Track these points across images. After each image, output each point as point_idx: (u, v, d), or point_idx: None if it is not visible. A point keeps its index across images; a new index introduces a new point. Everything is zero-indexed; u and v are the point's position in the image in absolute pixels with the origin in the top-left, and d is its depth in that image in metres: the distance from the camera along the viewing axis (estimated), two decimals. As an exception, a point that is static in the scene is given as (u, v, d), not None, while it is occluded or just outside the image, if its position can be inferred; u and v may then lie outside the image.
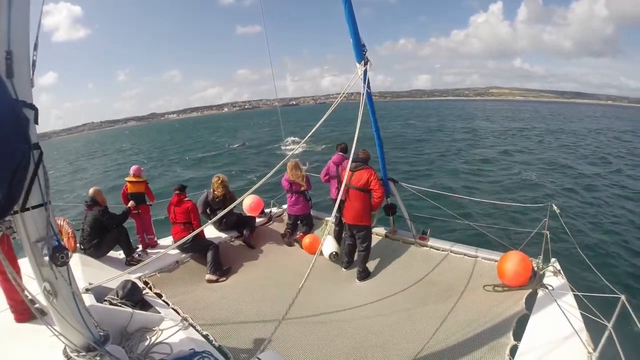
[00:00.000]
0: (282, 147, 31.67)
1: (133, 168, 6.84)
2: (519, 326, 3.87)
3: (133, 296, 4.42)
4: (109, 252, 5.80)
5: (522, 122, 57.25)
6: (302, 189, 7.01)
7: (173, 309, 4.59)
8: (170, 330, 3.90)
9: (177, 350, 3.48)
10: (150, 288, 5.14)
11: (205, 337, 4.01)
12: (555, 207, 4.96)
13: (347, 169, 4.64)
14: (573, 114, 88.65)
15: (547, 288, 4.35)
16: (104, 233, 5.65)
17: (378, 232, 6.73)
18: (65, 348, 2.75)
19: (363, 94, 4.92)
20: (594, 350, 3.12)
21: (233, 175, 20.41)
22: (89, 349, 2.73)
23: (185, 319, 4.18)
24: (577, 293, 4.17)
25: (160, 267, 5.67)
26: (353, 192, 5.57)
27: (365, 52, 4.95)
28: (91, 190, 5.85)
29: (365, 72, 4.95)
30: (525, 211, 11.36)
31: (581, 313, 3.81)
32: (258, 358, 3.05)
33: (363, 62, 4.94)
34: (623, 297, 3.45)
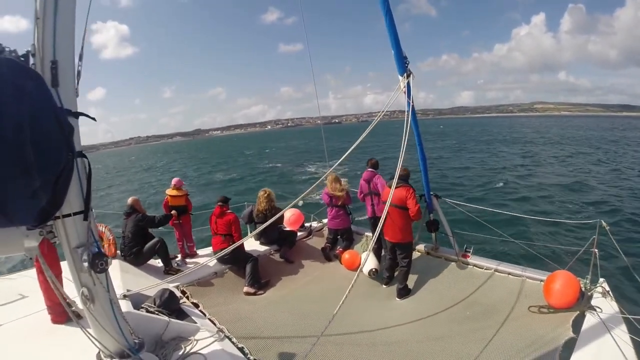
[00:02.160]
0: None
1: (174, 180, 6.98)
2: (566, 350, 3.66)
3: (170, 305, 4.45)
4: (148, 260, 5.91)
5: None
6: (340, 203, 6.93)
7: (209, 319, 4.58)
8: (206, 341, 3.88)
9: None
10: (187, 297, 5.17)
11: (241, 349, 3.98)
12: (604, 224, 4.65)
13: (392, 185, 4.64)
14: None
15: (595, 310, 4.08)
16: (145, 241, 5.78)
17: (419, 249, 6.55)
18: (99, 353, 2.79)
19: (408, 110, 4.82)
20: None
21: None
22: (123, 355, 2.77)
23: (221, 330, 4.16)
24: (628, 316, 3.90)
25: (198, 277, 5.73)
26: (392, 209, 5.47)
27: (408, 64, 4.85)
28: (130, 200, 6.03)
29: (408, 84, 4.85)
30: (574, 229, 10.85)
31: (631, 337, 3.58)
32: None
33: (405, 74, 4.85)
34: None
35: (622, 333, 3.64)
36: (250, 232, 7.15)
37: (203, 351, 3.71)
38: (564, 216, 13.48)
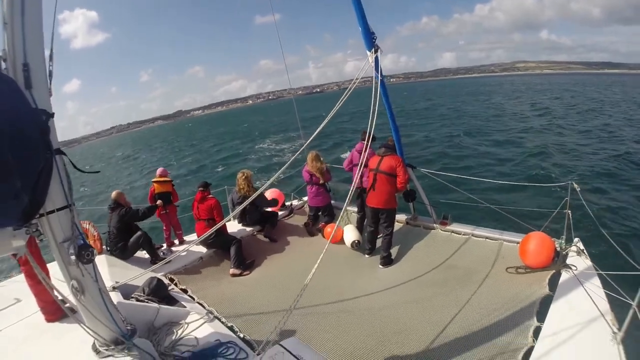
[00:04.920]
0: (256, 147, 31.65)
1: (159, 170, 7.00)
2: (543, 308, 3.85)
3: (159, 292, 4.57)
4: (134, 253, 5.93)
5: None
6: (321, 181, 7.02)
7: (198, 303, 4.72)
8: (196, 324, 4.02)
9: (204, 342, 3.63)
10: (175, 284, 5.28)
11: (230, 328, 4.13)
12: (575, 185, 4.82)
13: (363, 151, 4.67)
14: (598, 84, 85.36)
15: (570, 269, 4.28)
16: (130, 234, 5.79)
17: (399, 219, 6.67)
18: (94, 343, 2.89)
19: (377, 83, 4.90)
20: (619, 329, 3.08)
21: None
22: (117, 342, 2.87)
23: (210, 312, 4.29)
24: (601, 272, 4.06)
25: (185, 263, 5.85)
26: (381, 177, 5.66)
27: (375, 39, 4.96)
28: (114, 194, 5.98)
29: (376, 59, 4.96)
30: (547, 191, 11.08)
31: (606, 293, 3.73)
32: (280, 344, 3.15)
33: (373, 49, 4.96)
34: None
35: (596, 289, 3.82)
36: (239, 216, 7.23)
37: (194, 333, 3.85)
38: (536, 179, 13.72)
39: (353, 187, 4.32)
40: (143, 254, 6.08)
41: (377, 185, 5.71)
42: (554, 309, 3.72)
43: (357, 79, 4.88)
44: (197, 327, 3.98)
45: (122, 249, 5.75)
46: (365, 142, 4.57)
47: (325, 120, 4.51)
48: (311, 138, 4.88)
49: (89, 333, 2.75)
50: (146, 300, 4.32)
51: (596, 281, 3.98)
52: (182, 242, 6.91)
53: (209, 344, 3.56)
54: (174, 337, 3.81)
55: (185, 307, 4.47)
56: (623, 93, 55.62)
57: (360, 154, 6.41)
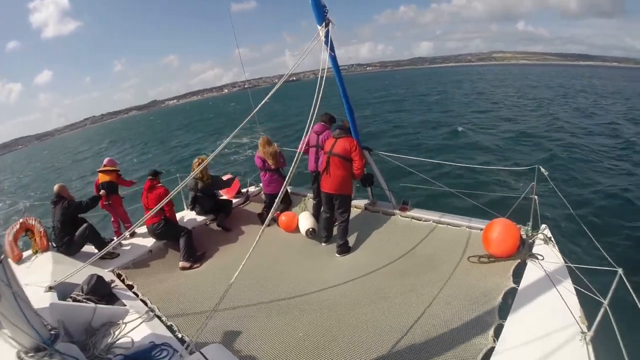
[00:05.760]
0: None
1: (105, 160, 6.70)
2: (506, 302, 3.58)
3: (99, 290, 4.29)
4: (81, 248, 5.62)
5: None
6: (274, 166, 6.73)
7: (142, 300, 4.47)
8: (135, 323, 3.77)
9: (138, 344, 3.40)
10: (122, 280, 5.02)
11: (170, 327, 3.90)
12: (543, 170, 4.53)
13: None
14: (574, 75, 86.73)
15: (536, 258, 4.01)
16: (76, 228, 5.51)
17: (357, 205, 6.47)
18: (17, 351, 2.64)
19: (327, 60, 4.64)
20: (589, 328, 2.83)
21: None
22: (39, 349, 2.63)
23: (152, 310, 4.09)
24: (570, 265, 3.80)
25: (133, 257, 5.60)
26: (335, 160, 5.36)
27: (327, 12, 4.63)
28: (56, 187, 5.70)
29: (327, 33, 4.65)
30: (514, 177, 10.99)
31: (575, 288, 3.45)
32: (200, 352, 2.89)
33: (324, 23, 4.64)
34: (620, 271, 3.02)
35: (564, 282, 3.58)
36: (191, 203, 6.95)
37: (131, 334, 3.60)
38: (502, 164, 13.63)
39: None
40: (93, 249, 5.70)
41: (331, 169, 5.40)
42: (518, 303, 3.45)
43: (304, 55, 4.53)
44: (135, 327, 3.72)
45: (68, 244, 5.43)
46: (307, 128, 4.20)
47: (255, 110, 4.40)
48: (228, 139, 4.65)
49: (7, 341, 2.50)
50: (84, 300, 4.04)
51: (564, 273, 3.72)
52: (132, 235, 6.52)
53: (142, 346, 3.32)
54: (109, 339, 3.55)
55: (125, 305, 4.20)
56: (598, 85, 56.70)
57: (318, 135, 6.12)
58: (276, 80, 4.42)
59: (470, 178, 11.81)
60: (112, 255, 5.59)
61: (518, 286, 3.71)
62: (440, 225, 5.48)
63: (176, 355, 3.21)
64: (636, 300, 2.66)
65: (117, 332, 3.64)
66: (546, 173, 4.49)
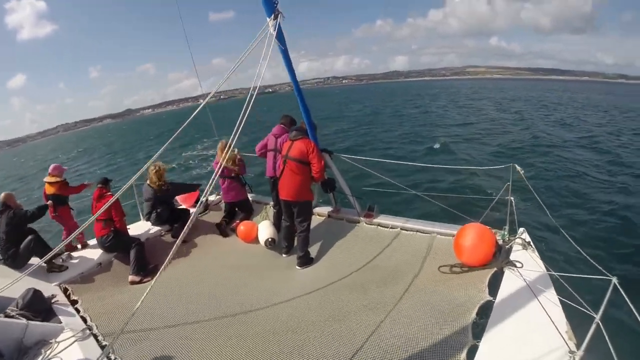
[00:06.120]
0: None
1: (51, 167, 6.19)
2: (481, 317, 3.12)
3: (35, 305, 4.01)
4: (28, 260, 5.20)
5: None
6: (233, 173, 6.38)
7: (82, 317, 4.14)
8: (67, 342, 3.47)
9: None
10: (68, 295, 4.68)
11: (104, 347, 3.53)
12: (518, 168, 4.11)
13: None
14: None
15: (515, 266, 3.58)
16: (22, 240, 5.11)
17: (320, 213, 6.13)
18: None
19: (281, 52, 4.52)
20: (578, 347, 2.41)
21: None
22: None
23: (89, 329, 3.79)
24: (554, 273, 3.39)
25: (82, 271, 5.21)
26: (292, 164, 5.02)
27: (277, 3, 4.38)
28: (2, 195, 5.26)
29: (279, 26, 4.41)
30: (487, 178, 10.72)
31: (559, 299, 3.04)
32: None
33: (274, 15, 4.38)
34: (615, 280, 2.66)
35: (547, 292, 3.15)
36: (146, 213, 6.43)
37: (62, 354, 3.33)
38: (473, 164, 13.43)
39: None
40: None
41: (288, 174, 5.07)
42: (495, 319, 3.00)
43: (250, 50, 4.13)
44: (67, 346, 3.42)
45: (13, 256, 5.04)
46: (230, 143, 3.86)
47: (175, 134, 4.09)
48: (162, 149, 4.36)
49: None
50: (17, 315, 3.76)
51: (547, 282, 3.30)
52: (84, 247, 6.07)
53: None
54: (40, 359, 3.28)
55: (61, 322, 3.90)
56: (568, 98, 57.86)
57: (277, 139, 5.78)
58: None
59: (441, 181, 11.48)
60: (60, 269, 5.24)
61: (494, 299, 3.27)
62: (408, 232, 5.11)
63: None
64: (636, 314, 2.26)
65: (48, 352, 3.35)
66: (522, 171, 4.09)
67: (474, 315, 3.12)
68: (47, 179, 6.08)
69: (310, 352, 3.24)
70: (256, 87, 3.84)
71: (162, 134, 52.99)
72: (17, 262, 5.07)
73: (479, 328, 2.99)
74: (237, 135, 3.76)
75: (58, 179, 6.10)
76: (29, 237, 5.13)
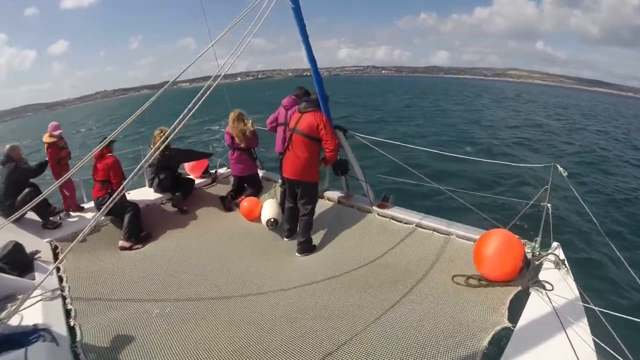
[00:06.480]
0: None
1: (50, 125, 5.93)
2: (497, 344, 2.60)
3: (12, 258, 3.97)
4: (24, 214, 5.06)
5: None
6: (244, 145, 6.03)
7: (59, 276, 4.01)
8: (33, 300, 3.35)
9: (23, 324, 3.03)
10: (57, 254, 4.58)
11: (68, 311, 3.39)
12: (560, 169, 3.45)
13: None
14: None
15: (544, 287, 3.02)
16: (20, 193, 5.06)
17: (330, 197, 5.70)
18: None
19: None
20: None
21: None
22: None
23: (61, 289, 3.68)
24: (592, 306, 2.78)
25: (75, 230, 5.03)
26: (298, 138, 4.58)
27: None
28: (7, 147, 5.18)
29: None
30: (524, 180, 9.90)
31: (593, 339, 2.46)
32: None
33: None
34: None
35: (578, 322, 2.62)
36: (149, 179, 6.23)
37: (25, 311, 3.18)
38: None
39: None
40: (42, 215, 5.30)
41: (293, 150, 4.63)
42: (512, 350, 2.45)
43: (247, 9, 3.57)
44: (32, 304, 3.32)
45: (9, 207, 4.94)
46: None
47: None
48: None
49: None
50: None
51: (580, 313, 2.72)
52: (81, 209, 5.94)
53: (23, 327, 2.96)
54: (4, 313, 3.14)
55: (35, 279, 3.80)
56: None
57: (287, 111, 5.40)
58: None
59: (469, 177, 10.76)
60: (53, 225, 5.19)
61: (515, 325, 2.70)
62: (423, 229, 4.57)
63: (50, 344, 2.75)
64: None
65: (12, 307, 3.13)
66: (565, 173, 3.43)
67: (487, 340, 2.60)
68: (45, 138, 5.84)
69: (289, 347, 2.85)
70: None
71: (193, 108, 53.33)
72: (12, 214, 4.97)
73: (492, 358, 2.50)
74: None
75: (54, 140, 5.87)
76: (27, 190, 5.07)
